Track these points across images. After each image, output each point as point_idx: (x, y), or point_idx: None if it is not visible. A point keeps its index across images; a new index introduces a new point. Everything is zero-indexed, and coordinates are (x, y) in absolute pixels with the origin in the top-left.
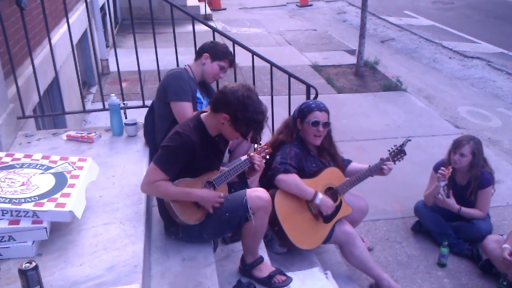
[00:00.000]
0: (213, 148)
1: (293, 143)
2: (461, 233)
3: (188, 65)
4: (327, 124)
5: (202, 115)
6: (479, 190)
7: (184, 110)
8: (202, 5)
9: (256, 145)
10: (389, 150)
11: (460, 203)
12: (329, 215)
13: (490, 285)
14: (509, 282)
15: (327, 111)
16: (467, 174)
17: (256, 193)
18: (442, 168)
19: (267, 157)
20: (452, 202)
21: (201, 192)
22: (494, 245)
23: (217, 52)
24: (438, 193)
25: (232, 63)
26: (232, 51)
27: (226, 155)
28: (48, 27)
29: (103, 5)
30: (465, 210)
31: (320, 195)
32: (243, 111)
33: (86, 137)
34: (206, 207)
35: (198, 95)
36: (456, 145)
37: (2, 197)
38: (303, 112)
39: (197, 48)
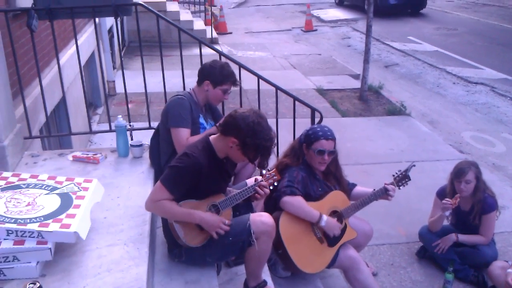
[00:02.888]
0: (220, 171)
1: (299, 167)
2: (466, 259)
3: (192, 88)
4: (332, 153)
5: (211, 138)
6: (483, 215)
7: (180, 136)
8: (208, 29)
9: (264, 171)
10: (393, 175)
11: (464, 229)
12: (334, 238)
13: None
14: None
15: (333, 139)
16: (470, 199)
17: (261, 218)
18: (447, 199)
19: (275, 184)
20: (447, 238)
21: (204, 215)
22: (499, 272)
23: (217, 77)
24: (443, 221)
25: (234, 83)
26: (238, 74)
27: None
28: (57, 49)
29: (111, 27)
30: (464, 237)
31: (325, 217)
32: (253, 137)
33: (92, 158)
34: (209, 231)
35: (201, 120)
36: (460, 173)
37: (8, 217)
38: (309, 139)
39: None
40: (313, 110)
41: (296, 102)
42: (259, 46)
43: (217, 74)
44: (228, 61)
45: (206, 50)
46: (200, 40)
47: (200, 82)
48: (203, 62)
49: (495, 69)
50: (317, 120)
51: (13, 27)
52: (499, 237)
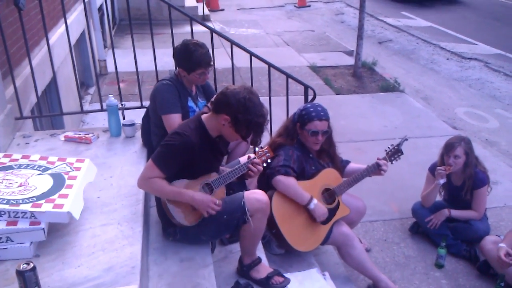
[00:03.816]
0: (213, 150)
1: (294, 146)
2: (459, 234)
3: (178, 70)
4: (326, 133)
5: (203, 116)
6: (474, 191)
7: (172, 122)
8: (200, 5)
9: (256, 148)
10: (386, 150)
11: (456, 204)
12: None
13: (488, 286)
14: (506, 283)
15: (327, 119)
16: (462, 175)
17: (255, 195)
18: (442, 166)
19: (268, 161)
20: (439, 213)
21: (194, 194)
22: (491, 246)
23: (187, 65)
24: (437, 191)
25: (207, 65)
26: (230, 52)
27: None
28: (46, 28)
29: (101, 5)
30: (457, 212)
31: (315, 201)
32: (244, 113)
33: (84, 138)
34: (200, 211)
35: (190, 103)
36: (449, 148)
37: (0, 198)
38: (303, 119)
39: None
40: (306, 88)
41: (290, 80)
42: (251, 23)
43: (185, 62)
44: (220, 38)
45: (198, 28)
46: (192, 17)
47: (176, 67)
48: (187, 41)
49: (489, 45)
50: (310, 97)
51: (0, 5)
52: (492, 212)
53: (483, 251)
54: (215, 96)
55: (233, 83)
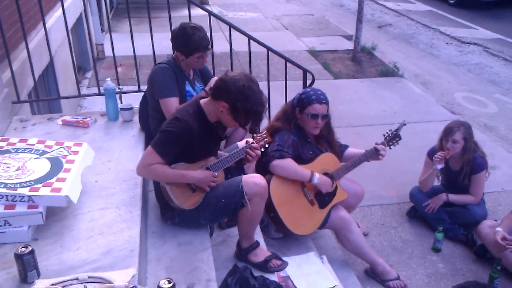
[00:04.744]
0: (211, 134)
1: (291, 131)
2: (456, 218)
3: (176, 53)
4: (326, 116)
5: (202, 101)
6: (472, 175)
7: (170, 105)
8: None
9: (255, 134)
10: (384, 135)
11: (454, 188)
12: (325, 200)
13: (484, 270)
14: (503, 266)
15: (327, 103)
16: (460, 160)
17: (253, 179)
18: (441, 152)
19: (266, 146)
20: (437, 197)
21: (196, 174)
22: (488, 230)
23: (185, 49)
24: (435, 176)
25: (205, 49)
26: (229, 36)
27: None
28: (42, 11)
29: None
30: (454, 197)
31: (317, 175)
32: (243, 101)
33: (81, 122)
34: (203, 187)
35: (188, 87)
36: (448, 132)
37: None
38: (302, 102)
39: None
40: (305, 72)
41: (288, 64)
42: (250, 7)
43: (183, 46)
44: (218, 21)
45: (196, 11)
46: (190, 0)
47: (173, 51)
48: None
49: (488, 29)
50: (309, 82)
51: None
52: (489, 196)
53: (480, 235)
54: (214, 81)
55: (232, 67)
